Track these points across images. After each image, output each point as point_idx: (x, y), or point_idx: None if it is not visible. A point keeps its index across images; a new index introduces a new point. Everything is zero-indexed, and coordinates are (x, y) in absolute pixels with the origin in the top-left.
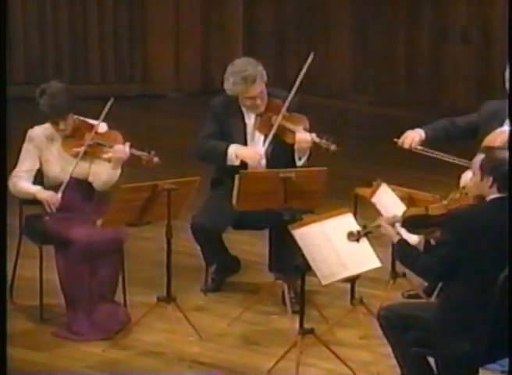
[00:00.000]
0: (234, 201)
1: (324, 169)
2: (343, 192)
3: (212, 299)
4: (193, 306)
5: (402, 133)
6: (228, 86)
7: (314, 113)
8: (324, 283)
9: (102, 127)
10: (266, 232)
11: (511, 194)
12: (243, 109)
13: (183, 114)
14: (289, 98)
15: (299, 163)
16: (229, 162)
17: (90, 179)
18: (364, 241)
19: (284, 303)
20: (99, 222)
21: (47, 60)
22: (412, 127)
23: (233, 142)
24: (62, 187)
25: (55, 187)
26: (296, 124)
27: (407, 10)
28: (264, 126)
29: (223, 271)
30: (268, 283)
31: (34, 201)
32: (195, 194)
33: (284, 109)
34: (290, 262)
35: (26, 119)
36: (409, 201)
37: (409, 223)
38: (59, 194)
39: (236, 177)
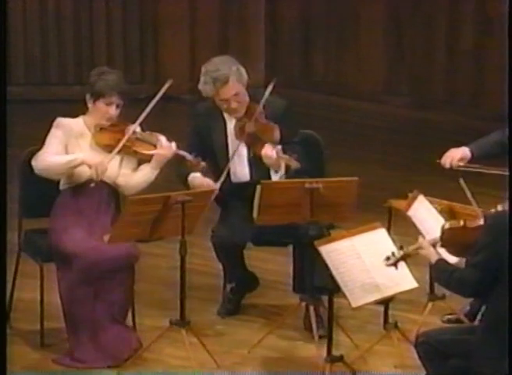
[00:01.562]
0: (255, 214)
1: (354, 179)
2: (376, 205)
3: (230, 323)
4: (209, 330)
5: (440, 139)
6: (200, 86)
7: (342, 117)
8: (354, 305)
9: (137, 125)
10: (290, 249)
11: (511, 195)
12: (225, 115)
13: None
14: (261, 103)
15: (274, 177)
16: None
17: (120, 180)
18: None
19: (310, 328)
20: (106, 237)
21: (49, 59)
22: (452, 132)
23: (214, 150)
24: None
25: (76, 189)
26: (263, 134)
27: (448, 1)
28: (239, 132)
29: (240, 290)
30: (291, 305)
31: (38, 213)
32: (211, 206)
33: (256, 115)
34: (317, 282)
35: (27, 123)
36: (449, 214)
37: (450, 242)
38: (106, 161)
39: (258, 188)
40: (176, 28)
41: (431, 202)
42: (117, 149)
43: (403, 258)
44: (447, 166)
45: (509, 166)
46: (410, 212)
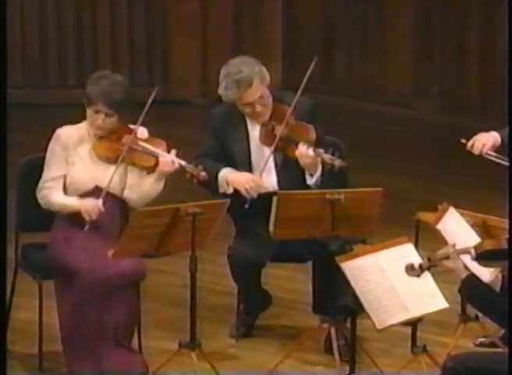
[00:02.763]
0: (271, 227)
1: (379, 189)
2: (402, 217)
3: (244, 346)
4: (221, 354)
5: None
6: (221, 91)
7: (366, 122)
8: (379, 327)
9: (142, 133)
10: (309, 265)
11: (511, 197)
12: (248, 119)
13: None
14: (293, 104)
15: (310, 182)
16: (221, 190)
17: (126, 193)
18: (427, 276)
19: (331, 351)
20: (110, 252)
21: (48, 60)
22: None
23: (236, 159)
24: (102, 194)
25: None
26: (298, 135)
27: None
28: (267, 137)
29: (253, 310)
30: (311, 326)
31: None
32: (224, 219)
33: (287, 117)
34: (338, 302)
35: (25, 129)
36: (483, 228)
37: (485, 256)
38: (100, 202)
39: (274, 199)
40: (186, 27)
41: (462, 215)
42: (118, 164)
43: (428, 267)
44: (477, 152)
45: (509, 166)
46: (440, 226)
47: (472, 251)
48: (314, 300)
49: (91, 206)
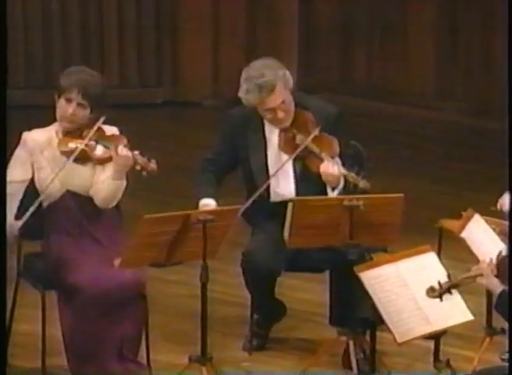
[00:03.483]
0: (286, 235)
1: (400, 195)
2: (425, 225)
3: (257, 360)
4: (233, 368)
5: (499, 150)
6: (242, 94)
7: (386, 125)
8: (400, 340)
9: (111, 130)
10: (326, 275)
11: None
12: (266, 124)
13: None
14: (316, 129)
15: (332, 195)
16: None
17: (91, 192)
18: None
19: (349, 366)
20: (117, 262)
21: (52, 59)
22: None
23: (252, 164)
24: (31, 209)
25: (53, 208)
26: (322, 149)
27: None
28: (287, 145)
29: (266, 321)
30: (328, 339)
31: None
32: (236, 226)
33: (314, 132)
34: (357, 314)
35: (26, 130)
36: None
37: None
38: (19, 223)
39: (289, 205)
40: (196, 25)
41: (488, 222)
42: (71, 159)
43: (451, 288)
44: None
45: (509, 166)
46: (464, 234)
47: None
48: (332, 312)
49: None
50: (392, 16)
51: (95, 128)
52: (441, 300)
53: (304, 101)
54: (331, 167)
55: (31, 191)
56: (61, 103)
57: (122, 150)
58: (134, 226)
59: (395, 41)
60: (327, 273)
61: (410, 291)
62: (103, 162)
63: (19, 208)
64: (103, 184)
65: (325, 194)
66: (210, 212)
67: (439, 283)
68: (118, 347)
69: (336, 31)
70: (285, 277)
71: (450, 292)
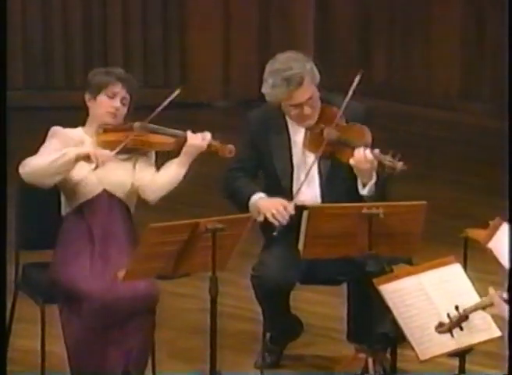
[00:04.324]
0: (301, 246)
1: (423, 203)
2: (449, 234)
3: None
4: None
5: None
6: (266, 90)
7: (408, 127)
8: (422, 358)
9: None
10: (343, 288)
11: (511, 198)
12: (289, 122)
13: (234, 129)
14: (345, 103)
15: (363, 191)
16: (254, 217)
17: (139, 185)
18: (476, 298)
19: None
20: (120, 273)
21: (53, 59)
22: None
23: (277, 168)
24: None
25: (80, 212)
26: (353, 138)
27: None
28: (314, 142)
29: (281, 338)
30: (346, 356)
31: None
32: (248, 236)
33: (338, 118)
34: (376, 329)
35: (26, 135)
36: None
37: None
38: (113, 152)
39: (304, 214)
40: (206, 22)
41: None
42: (125, 142)
43: (461, 321)
44: None
45: (509, 166)
46: (491, 244)
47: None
48: (349, 327)
49: (103, 152)
50: (414, 12)
51: (146, 121)
52: (452, 336)
53: (330, 97)
54: (363, 153)
55: (34, 201)
56: (101, 99)
57: (198, 134)
58: (139, 236)
59: (417, 38)
60: (344, 286)
61: (434, 305)
62: (169, 146)
63: (23, 215)
64: (163, 172)
65: (354, 195)
66: (220, 221)
67: (449, 316)
68: (124, 363)
69: (354, 28)
70: (300, 290)
71: (461, 327)
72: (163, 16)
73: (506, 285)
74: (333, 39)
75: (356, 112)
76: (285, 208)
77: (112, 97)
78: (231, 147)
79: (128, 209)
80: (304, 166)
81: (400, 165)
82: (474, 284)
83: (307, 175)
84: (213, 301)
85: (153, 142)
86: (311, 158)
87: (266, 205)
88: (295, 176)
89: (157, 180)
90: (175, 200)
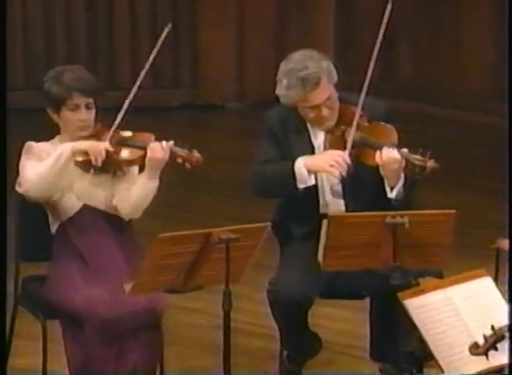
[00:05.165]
0: (320, 257)
1: (451, 212)
2: (479, 246)
3: None
4: None
5: None
6: (281, 91)
7: (435, 131)
8: None
9: (115, 127)
10: (366, 303)
11: (511, 196)
12: (308, 125)
13: (248, 132)
14: (361, 101)
15: (391, 195)
16: (300, 185)
17: (115, 202)
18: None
19: None
20: (128, 287)
21: (55, 58)
22: None
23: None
24: (108, 135)
25: (68, 227)
26: (378, 138)
27: None
28: (336, 145)
29: (299, 357)
30: None
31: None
32: (264, 246)
33: (358, 117)
34: (401, 347)
35: (27, 138)
36: None
37: None
38: (106, 143)
39: (324, 223)
40: (218, 18)
41: None
42: (92, 170)
43: (497, 341)
44: None
45: (509, 166)
46: None
47: None
48: (373, 344)
49: (93, 146)
50: (442, 5)
51: (113, 128)
52: (487, 358)
53: (348, 97)
54: (391, 153)
55: (35, 210)
56: (65, 115)
57: (155, 144)
58: (148, 247)
59: (445, 34)
60: (367, 301)
61: (463, 321)
62: (133, 163)
63: (23, 225)
64: (134, 187)
65: (381, 200)
66: (234, 231)
67: (485, 337)
68: None
69: (377, 26)
70: (319, 305)
71: (496, 348)
72: (173, 12)
73: None
74: (355, 37)
75: (376, 110)
76: (341, 158)
77: (75, 109)
78: (198, 156)
79: (119, 219)
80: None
81: (430, 163)
82: (505, 298)
83: (347, 174)
84: (226, 317)
85: (120, 159)
86: None
87: (319, 160)
88: (318, 182)
89: (131, 196)
90: (183, 208)
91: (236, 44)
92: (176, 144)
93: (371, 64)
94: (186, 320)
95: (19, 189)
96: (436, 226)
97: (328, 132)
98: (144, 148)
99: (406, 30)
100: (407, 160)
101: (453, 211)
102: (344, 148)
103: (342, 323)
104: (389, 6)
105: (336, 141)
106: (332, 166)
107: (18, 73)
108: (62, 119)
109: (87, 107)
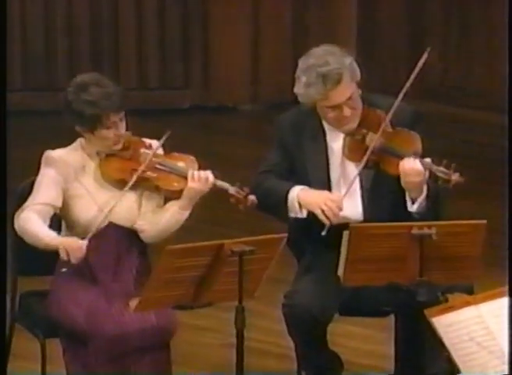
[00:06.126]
0: (340, 271)
1: (482, 222)
2: None
3: None
4: None
5: None
6: (299, 89)
7: (465, 135)
8: None
9: (154, 144)
10: (390, 320)
11: (511, 196)
12: (326, 127)
13: (262, 136)
14: (394, 107)
15: (412, 208)
16: (291, 214)
17: (140, 224)
18: None
19: None
20: (132, 303)
21: (56, 57)
22: None
23: (310, 178)
24: (90, 233)
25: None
26: (401, 146)
27: None
28: (355, 150)
29: None
30: None
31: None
32: (280, 259)
33: (385, 123)
34: (429, 369)
35: (25, 142)
36: None
37: None
38: (85, 242)
39: (345, 235)
40: (232, 14)
41: None
42: (128, 187)
43: None
44: None
45: (509, 165)
46: None
47: None
48: (397, 365)
49: (75, 245)
50: (471, 6)
51: (155, 148)
52: None
53: (372, 98)
54: (413, 163)
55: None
56: (101, 133)
57: (200, 174)
58: (155, 260)
59: (476, 32)
60: (391, 318)
61: (496, 341)
62: (175, 194)
63: (21, 237)
64: (165, 214)
65: (401, 211)
66: (247, 242)
67: None
68: None
69: (402, 20)
70: (339, 323)
71: None
72: (183, 8)
73: None
74: (379, 34)
75: (401, 115)
76: (335, 204)
77: (110, 127)
78: (253, 198)
79: (142, 240)
80: (343, 176)
81: (455, 176)
82: None
83: (348, 188)
84: (239, 335)
85: (161, 186)
86: (350, 167)
87: (312, 198)
88: (333, 188)
89: (159, 222)
90: (196, 218)
91: (249, 41)
92: (216, 177)
93: (400, 96)
94: (196, 339)
95: (16, 218)
96: (466, 237)
97: (347, 135)
98: (185, 176)
99: (435, 29)
100: (430, 171)
101: (484, 221)
102: (364, 154)
103: (364, 342)
104: (425, 55)
105: (355, 146)
106: (322, 210)
107: (15, 73)
108: (97, 136)
109: (121, 120)
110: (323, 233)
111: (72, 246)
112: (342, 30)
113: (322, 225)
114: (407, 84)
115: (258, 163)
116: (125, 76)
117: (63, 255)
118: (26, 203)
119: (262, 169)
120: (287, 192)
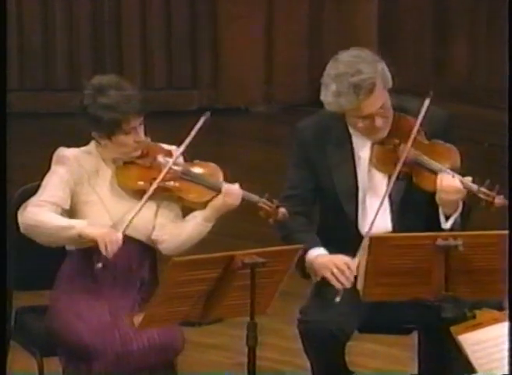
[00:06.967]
0: (360, 285)
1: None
2: None
3: None
4: None
5: None
6: (327, 98)
7: (494, 137)
8: None
9: (179, 157)
10: (413, 338)
11: (511, 196)
12: (353, 134)
13: (275, 139)
14: (422, 113)
15: (445, 226)
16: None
17: (157, 235)
18: None
19: None
20: (137, 319)
21: (55, 56)
22: None
23: (338, 188)
24: (123, 227)
25: (90, 250)
26: (439, 160)
27: None
28: (385, 160)
29: None
30: None
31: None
32: (293, 272)
33: (415, 132)
34: None
35: (22, 146)
36: None
37: None
38: (120, 235)
39: (364, 244)
40: (244, 10)
41: None
42: (147, 196)
43: None
44: None
45: (509, 165)
46: None
47: None
48: None
49: (114, 237)
50: (498, 3)
51: (176, 156)
52: None
53: (403, 103)
54: (451, 180)
55: None
56: (119, 139)
57: (233, 188)
58: (161, 273)
59: (504, 28)
60: (414, 336)
61: None
62: (201, 206)
63: (18, 249)
64: (187, 225)
65: (433, 226)
66: (260, 254)
67: None
68: None
69: (427, 17)
70: (359, 341)
71: None
72: (191, 5)
73: None
74: (402, 33)
75: (435, 119)
76: (348, 268)
77: (129, 133)
78: (283, 211)
79: (151, 249)
80: (371, 187)
81: (499, 199)
82: None
83: (381, 204)
84: (251, 354)
85: (185, 198)
86: (378, 177)
87: (325, 262)
88: (360, 199)
89: (180, 234)
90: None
91: (262, 39)
92: (241, 187)
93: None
94: (205, 358)
95: (19, 213)
96: (495, 249)
97: (376, 143)
98: (218, 190)
99: (462, 26)
100: (470, 192)
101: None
102: (395, 165)
103: (385, 361)
104: (427, 102)
105: (385, 155)
106: (333, 273)
107: (12, 72)
108: (115, 142)
109: (140, 125)
110: (337, 299)
111: (111, 238)
112: (361, 26)
113: (348, 225)
114: (414, 131)
115: (271, 167)
116: (128, 75)
117: (102, 249)
118: (30, 200)
119: (285, 194)
120: (306, 252)
